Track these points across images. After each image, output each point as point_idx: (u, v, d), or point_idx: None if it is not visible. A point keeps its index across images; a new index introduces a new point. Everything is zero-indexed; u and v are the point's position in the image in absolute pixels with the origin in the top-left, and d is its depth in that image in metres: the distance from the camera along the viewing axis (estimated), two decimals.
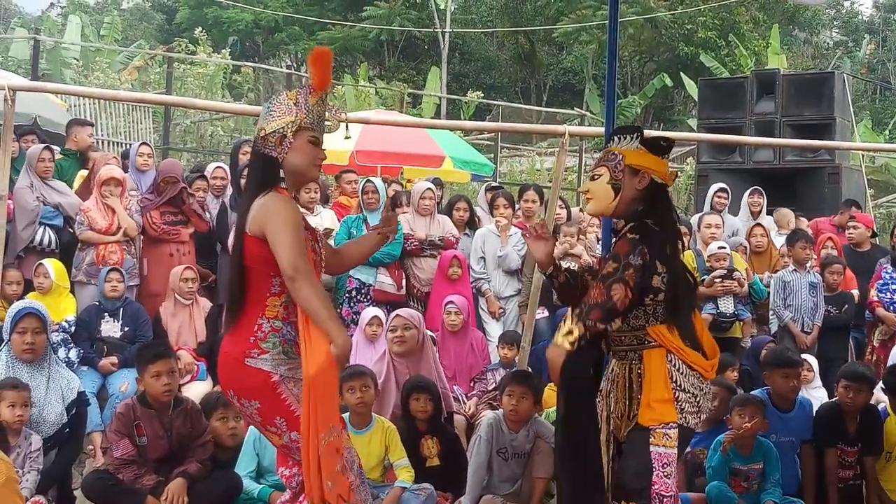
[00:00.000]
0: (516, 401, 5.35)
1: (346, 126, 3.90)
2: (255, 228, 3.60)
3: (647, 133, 4.17)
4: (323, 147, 3.77)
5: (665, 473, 3.83)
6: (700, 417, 3.98)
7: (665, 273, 3.86)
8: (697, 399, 3.90)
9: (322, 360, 3.48)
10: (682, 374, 3.87)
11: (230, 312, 3.75)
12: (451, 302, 7.14)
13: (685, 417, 3.86)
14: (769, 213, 9.32)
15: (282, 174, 3.71)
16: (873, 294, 7.88)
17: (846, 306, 7.87)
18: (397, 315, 6.29)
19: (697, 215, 8.78)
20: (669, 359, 3.87)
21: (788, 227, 9.10)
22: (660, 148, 4.00)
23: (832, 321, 7.78)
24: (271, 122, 3.67)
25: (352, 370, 5.56)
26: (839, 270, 7.88)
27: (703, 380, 3.93)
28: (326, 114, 3.75)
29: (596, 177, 3.98)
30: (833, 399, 6.02)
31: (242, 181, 7.99)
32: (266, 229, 3.55)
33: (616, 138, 4.02)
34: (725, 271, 7.53)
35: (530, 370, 6.27)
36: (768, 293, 7.86)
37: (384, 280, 7.77)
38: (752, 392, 6.01)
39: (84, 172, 8.36)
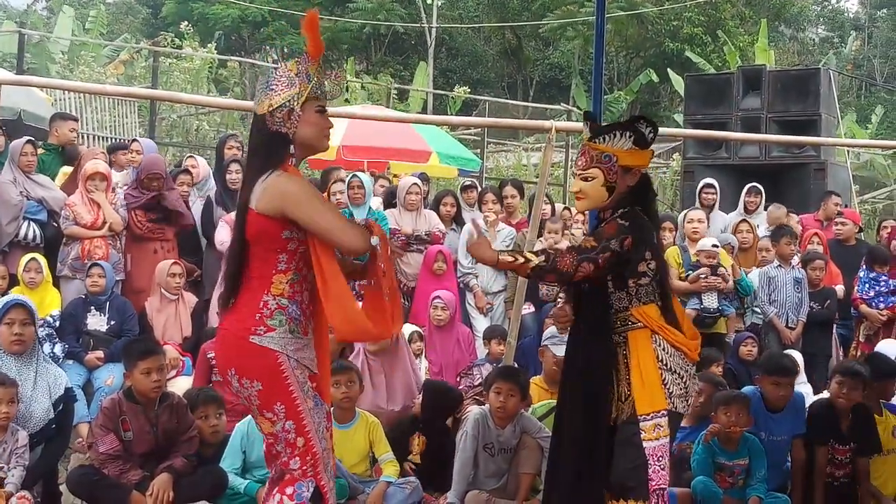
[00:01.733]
0: (504, 398, 5.34)
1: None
2: (265, 207, 3.43)
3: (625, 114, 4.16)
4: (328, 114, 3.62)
5: (660, 466, 3.85)
6: (688, 401, 4.01)
7: (652, 259, 3.94)
8: (684, 380, 3.93)
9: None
10: (667, 353, 3.90)
11: (229, 288, 3.59)
12: (438, 297, 7.15)
13: (673, 402, 3.89)
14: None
15: (291, 149, 3.56)
16: (855, 291, 7.91)
17: (828, 301, 7.89)
18: None
19: (684, 212, 8.77)
20: (654, 339, 3.91)
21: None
22: (648, 142, 4.02)
23: (815, 316, 7.79)
24: (274, 96, 3.51)
25: (337, 365, 5.55)
26: (821, 266, 7.89)
27: (688, 360, 3.96)
28: (325, 80, 3.60)
29: (589, 178, 3.97)
30: (825, 396, 5.96)
31: (227, 176, 8.00)
32: (296, 215, 3.41)
33: (606, 137, 3.98)
34: (710, 268, 7.54)
35: (516, 366, 6.28)
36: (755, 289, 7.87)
37: None
38: (738, 390, 6.00)
39: (67, 169, 8.29)
